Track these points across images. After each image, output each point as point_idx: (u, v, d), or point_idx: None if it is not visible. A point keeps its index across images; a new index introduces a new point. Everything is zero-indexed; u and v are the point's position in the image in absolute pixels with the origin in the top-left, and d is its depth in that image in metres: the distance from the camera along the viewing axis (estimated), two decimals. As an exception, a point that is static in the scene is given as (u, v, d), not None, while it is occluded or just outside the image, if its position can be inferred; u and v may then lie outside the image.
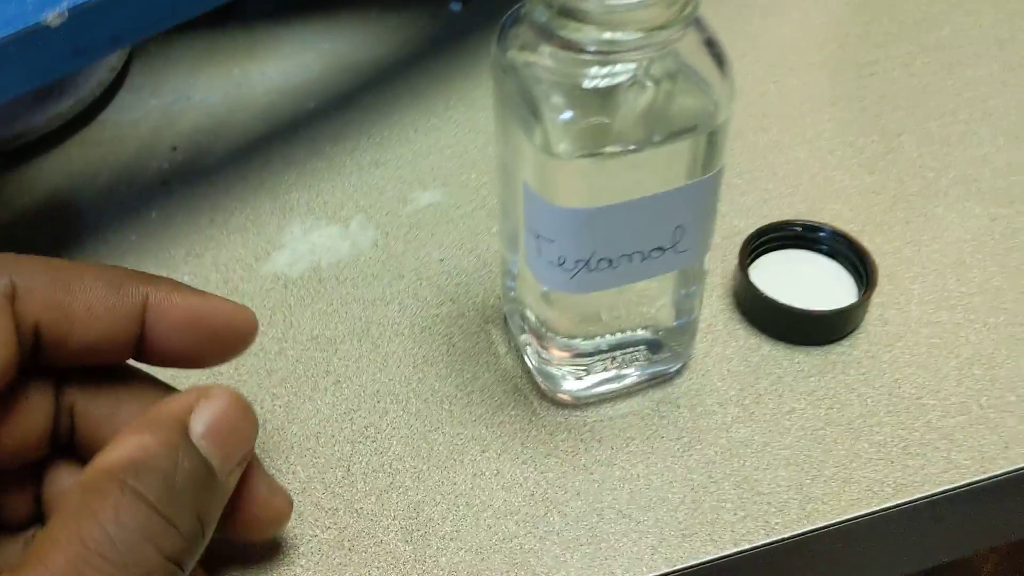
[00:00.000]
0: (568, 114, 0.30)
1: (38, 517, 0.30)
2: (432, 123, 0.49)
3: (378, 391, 0.38)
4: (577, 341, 0.36)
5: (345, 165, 0.47)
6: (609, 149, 0.30)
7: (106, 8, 0.36)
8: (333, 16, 0.57)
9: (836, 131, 0.48)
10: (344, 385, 0.38)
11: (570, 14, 0.28)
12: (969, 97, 0.50)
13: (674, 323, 0.36)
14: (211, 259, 0.43)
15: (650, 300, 0.36)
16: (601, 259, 0.32)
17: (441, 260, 0.43)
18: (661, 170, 0.31)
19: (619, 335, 0.36)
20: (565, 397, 0.37)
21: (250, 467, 0.29)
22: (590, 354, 0.36)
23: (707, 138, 0.30)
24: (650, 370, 0.37)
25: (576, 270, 0.32)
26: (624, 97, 0.30)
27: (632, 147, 0.30)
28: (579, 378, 0.37)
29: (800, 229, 0.41)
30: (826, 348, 0.39)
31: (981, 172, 0.46)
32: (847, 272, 0.40)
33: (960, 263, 0.42)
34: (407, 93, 0.51)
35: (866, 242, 0.42)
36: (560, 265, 0.32)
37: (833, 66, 0.52)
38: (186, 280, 0.42)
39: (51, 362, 0.28)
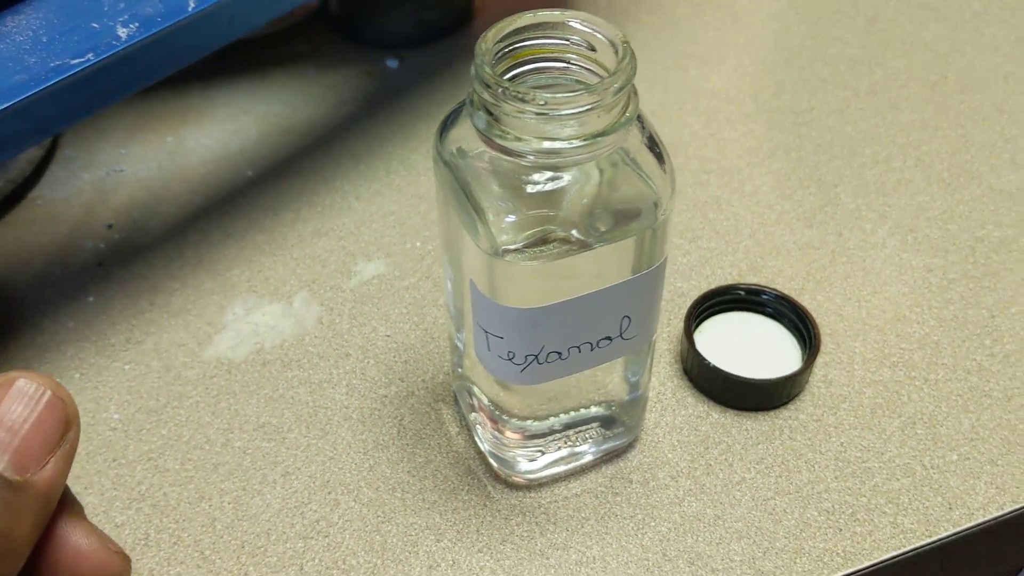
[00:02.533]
0: (512, 218, 0.29)
1: None
2: (374, 189, 0.49)
3: (328, 481, 0.37)
4: (530, 423, 0.36)
5: (286, 237, 0.47)
6: (555, 249, 0.30)
7: (29, 105, 0.35)
8: (268, 76, 0.56)
9: (774, 184, 0.49)
10: (293, 476, 0.37)
11: (508, 123, 0.28)
12: (903, 143, 0.51)
13: (627, 397, 0.36)
14: (152, 345, 0.42)
15: (602, 378, 0.36)
16: (551, 352, 0.32)
17: (388, 335, 0.42)
18: (607, 265, 0.31)
19: (572, 413, 0.36)
20: (519, 479, 0.37)
21: (63, 510, 0.24)
22: (544, 435, 0.36)
23: (650, 232, 0.31)
24: (604, 446, 0.37)
25: (526, 364, 0.32)
26: (569, 190, 0.30)
27: (578, 245, 0.30)
28: (533, 459, 0.36)
29: (743, 293, 0.42)
30: (773, 413, 0.39)
31: (917, 222, 0.47)
32: (791, 334, 0.41)
33: (900, 318, 0.43)
34: (347, 158, 0.51)
35: (807, 300, 0.43)
36: (510, 360, 0.32)
37: (769, 115, 0.53)
38: (127, 370, 0.41)
39: None
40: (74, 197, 0.49)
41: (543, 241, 0.30)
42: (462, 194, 0.30)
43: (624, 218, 0.31)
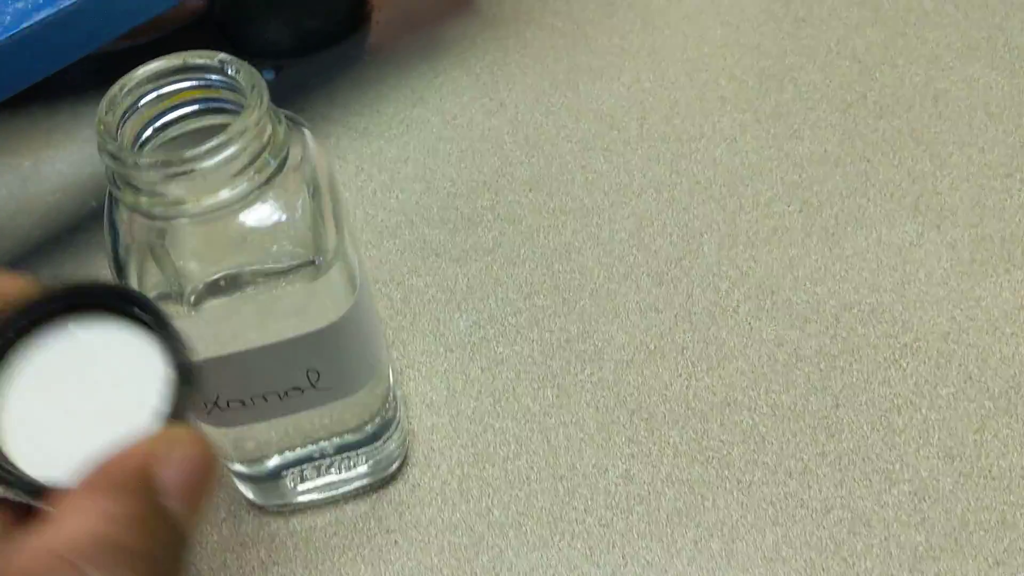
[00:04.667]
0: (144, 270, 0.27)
1: None
2: (210, 227, 0.46)
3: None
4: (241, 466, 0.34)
5: (111, 281, 0.45)
6: (205, 299, 0.27)
7: None
8: (143, 89, 0.54)
9: (634, 230, 0.44)
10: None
11: (132, 187, 0.25)
12: (792, 182, 0.45)
13: (362, 435, 0.34)
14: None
15: (319, 418, 0.33)
16: (231, 400, 0.30)
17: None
18: (270, 316, 0.28)
19: (298, 451, 0.34)
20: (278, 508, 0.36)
21: None
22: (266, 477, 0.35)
23: (314, 284, 0.27)
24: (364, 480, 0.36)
25: (209, 409, 0.30)
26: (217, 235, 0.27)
27: (249, 293, 0.27)
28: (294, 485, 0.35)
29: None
30: (560, 513, 0.36)
31: (782, 281, 0.42)
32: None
33: (729, 403, 0.38)
34: (193, 189, 0.48)
35: (633, 375, 0.39)
36: None
37: (651, 144, 0.47)
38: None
39: None
40: (-82, 231, 0.48)
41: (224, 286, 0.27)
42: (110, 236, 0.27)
43: (290, 264, 0.27)
